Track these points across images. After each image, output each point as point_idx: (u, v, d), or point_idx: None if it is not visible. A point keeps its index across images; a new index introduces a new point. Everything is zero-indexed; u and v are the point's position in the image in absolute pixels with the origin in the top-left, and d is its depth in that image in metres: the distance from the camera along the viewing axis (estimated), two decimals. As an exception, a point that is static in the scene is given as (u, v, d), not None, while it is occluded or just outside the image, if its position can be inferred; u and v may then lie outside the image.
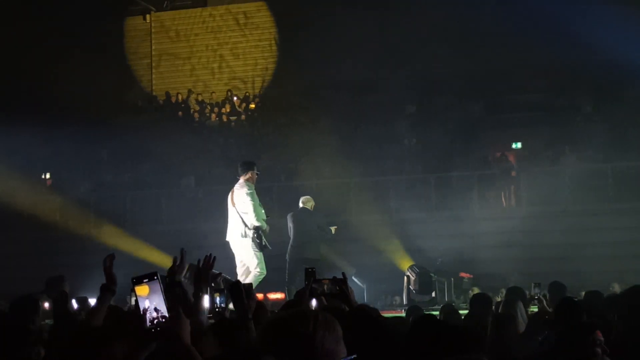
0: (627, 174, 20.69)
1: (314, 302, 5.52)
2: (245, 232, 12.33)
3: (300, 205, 14.89)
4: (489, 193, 21.73)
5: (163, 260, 18.55)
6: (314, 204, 14.89)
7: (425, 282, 12.33)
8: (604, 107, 23.42)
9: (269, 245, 12.37)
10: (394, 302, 16.86)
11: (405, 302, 11.99)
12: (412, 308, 9.47)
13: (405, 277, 12.28)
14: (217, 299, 5.96)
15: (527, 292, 12.95)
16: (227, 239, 12.63)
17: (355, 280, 16.18)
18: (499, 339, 6.24)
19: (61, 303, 7.83)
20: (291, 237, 14.58)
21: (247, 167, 12.55)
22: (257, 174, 12.63)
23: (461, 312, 8.65)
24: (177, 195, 23.63)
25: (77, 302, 11.90)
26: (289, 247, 14.53)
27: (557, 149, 22.05)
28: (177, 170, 24.50)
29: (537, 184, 21.21)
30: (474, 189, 21.42)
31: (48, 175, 25.75)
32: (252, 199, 12.27)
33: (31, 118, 24.69)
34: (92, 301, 12.09)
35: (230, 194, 12.62)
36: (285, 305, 6.28)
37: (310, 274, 5.66)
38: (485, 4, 26.33)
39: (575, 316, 6.01)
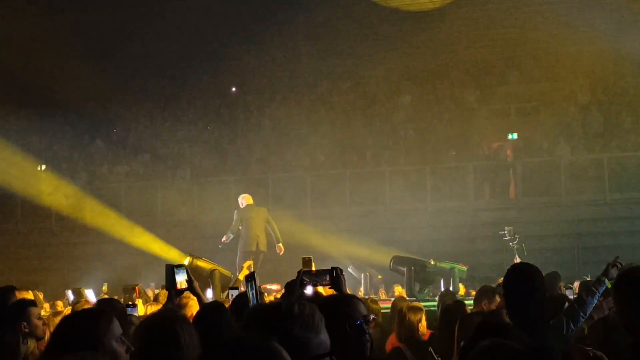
0: (623, 164, 20.63)
1: (309, 291, 5.38)
2: None
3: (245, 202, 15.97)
4: (485, 184, 21.64)
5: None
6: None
7: (425, 273, 12.37)
8: (600, 97, 23.33)
9: None
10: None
11: (407, 293, 12.09)
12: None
13: (406, 269, 12.29)
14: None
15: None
16: None
17: (352, 272, 16.19)
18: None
19: None
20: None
21: None
22: None
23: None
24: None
25: (72, 293, 11.81)
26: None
27: (552, 140, 21.95)
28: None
29: (533, 175, 21.16)
30: (469, 179, 21.31)
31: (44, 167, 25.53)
32: None
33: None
34: (88, 292, 12.01)
35: None
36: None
37: (306, 262, 5.58)
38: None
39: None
